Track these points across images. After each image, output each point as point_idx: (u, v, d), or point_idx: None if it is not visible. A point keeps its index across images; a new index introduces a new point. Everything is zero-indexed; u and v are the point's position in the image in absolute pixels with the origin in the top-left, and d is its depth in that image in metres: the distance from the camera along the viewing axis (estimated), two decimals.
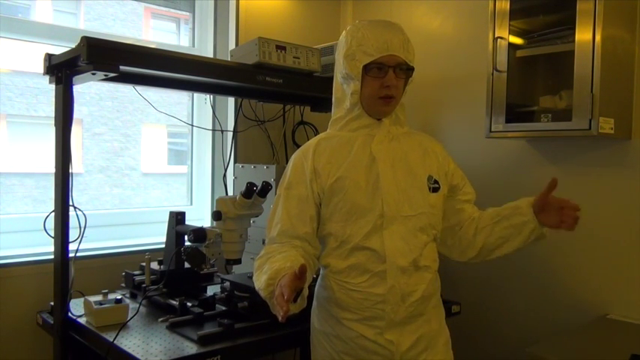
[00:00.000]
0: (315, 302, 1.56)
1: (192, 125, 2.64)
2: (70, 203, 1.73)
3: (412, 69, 1.46)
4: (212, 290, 2.01)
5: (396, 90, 1.45)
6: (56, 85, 1.76)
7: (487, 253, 1.54)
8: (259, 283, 1.33)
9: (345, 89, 1.50)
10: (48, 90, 1.89)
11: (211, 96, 2.56)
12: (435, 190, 1.50)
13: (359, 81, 1.44)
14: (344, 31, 1.51)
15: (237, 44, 2.51)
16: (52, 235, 1.76)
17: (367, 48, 1.41)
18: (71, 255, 1.75)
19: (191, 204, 2.68)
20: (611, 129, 1.80)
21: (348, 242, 1.43)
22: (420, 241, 1.46)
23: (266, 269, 1.33)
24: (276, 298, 1.19)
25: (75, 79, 1.72)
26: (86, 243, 1.84)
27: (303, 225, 1.45)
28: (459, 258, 1.60)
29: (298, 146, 2.60)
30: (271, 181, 1.95)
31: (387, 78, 1.42)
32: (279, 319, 1.14)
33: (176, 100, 2.70)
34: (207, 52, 2.63)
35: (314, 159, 1.48)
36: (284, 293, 1.15)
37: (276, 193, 1.54)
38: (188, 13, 2.70)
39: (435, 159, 1.55)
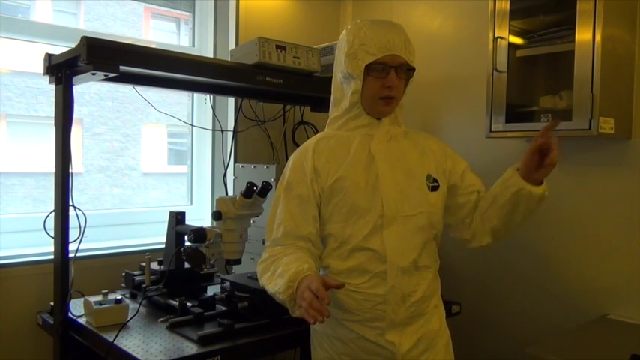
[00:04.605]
0: None
1: (192, 125, 2.64)
2: (70, 203, 1.73)
3: (413, 69, 1.46)
4: (212, 290, 2.01)
5: (397, 90, 1.45)
6: (56, 85, 1.76)
7: (501, 233, 1.51)
8: (275, 286, 1.32)
9: (344, 89, 1.50)
10: (48, 90, 1.89)
11: (211, 96, 2.56)
12: (435, 189, 1.50)
13: (360, 80, 1.43)
14: (345, 30, 1.50)
15: (237, 44, 2.51)
16: (52, 235, 1.76)
17: (370, 47, 1.40)
18: (71, 255, 1.75)
19: (191, 204, 2.68)
20: (611, 129, 1.80)
21: (349, 243, 1.43)
22: (420, 241, 1.45)
23: (280, 271, 1.32)
24: (309, 303, 1.18)
25: (75, 79, 1.72)
26: (86, 243, 1.84)
27: (306, 225, 1.44)
28: (479, 244, 1.56)
29: (298, 146, 2.60)
30: (271, 181, 1.95)
31: (388, 78, 1.41)
32: (312, 322, 1.16)
33: (176, 100, 2.69)
34: (207, 52, 2.63)
35: (314, 158, 1.47)
36: (323, 297, 1.16)
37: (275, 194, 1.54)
38: (188, 13, 2.70)
39: (433, 158, 1.54)
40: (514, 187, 1.41)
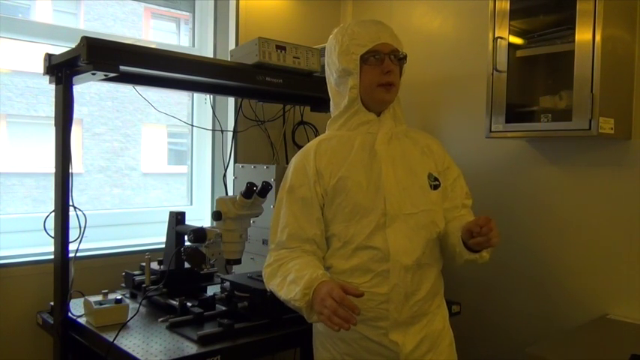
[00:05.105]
0: None
1: (192, 125, 2.64)
2: (70, 203, 1.73)
3: (405, 57, 1.49)
4: (212, 290, 2.01)
5: (395, 76, 1.47)
6: (56, 85, 1.75)
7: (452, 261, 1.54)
8: (289, 293, 1.31)
9: (341, 90, 1.50)
10: (48, 90, 1.89)
11: (211, 96, 2.56)
12: (436, 187, 1.51)
13: (357, 74, 1.45)
14: (331, 35, 1.54)
15: (237, 44, 2.51)
16: (52, 235, 1.76)
17: (360, 40, 1.44)
18: (71, 255, 1.75)
19: (191, 204, 2.68)
20: (611, 129, 1.80)
21: (352, 242, 1.43)
22: (424, 239, 1.46)
23: (292, 278, 1.31)
24: (334, 312, 1.17)
25: (75, 79, 1.72)
26: (86, 243, 1.84)
27: (311, 227, 1.44)
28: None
29: (298, 146, 2.61)
30: (271, 181, 1.95)
31: (385, 64, 1.44)
32: (337, 329, 1.15)
33: (176, 100, 2.69)
34: (207, 52, 2.63)
35: (316, 160, 1.47)
36: (349, 306, 1.16)
37: (276, 195, 1.54)
38: (188, 13, 2.70)
39: (432, 158, 1.55)
40: (454, 239, 1.45)
